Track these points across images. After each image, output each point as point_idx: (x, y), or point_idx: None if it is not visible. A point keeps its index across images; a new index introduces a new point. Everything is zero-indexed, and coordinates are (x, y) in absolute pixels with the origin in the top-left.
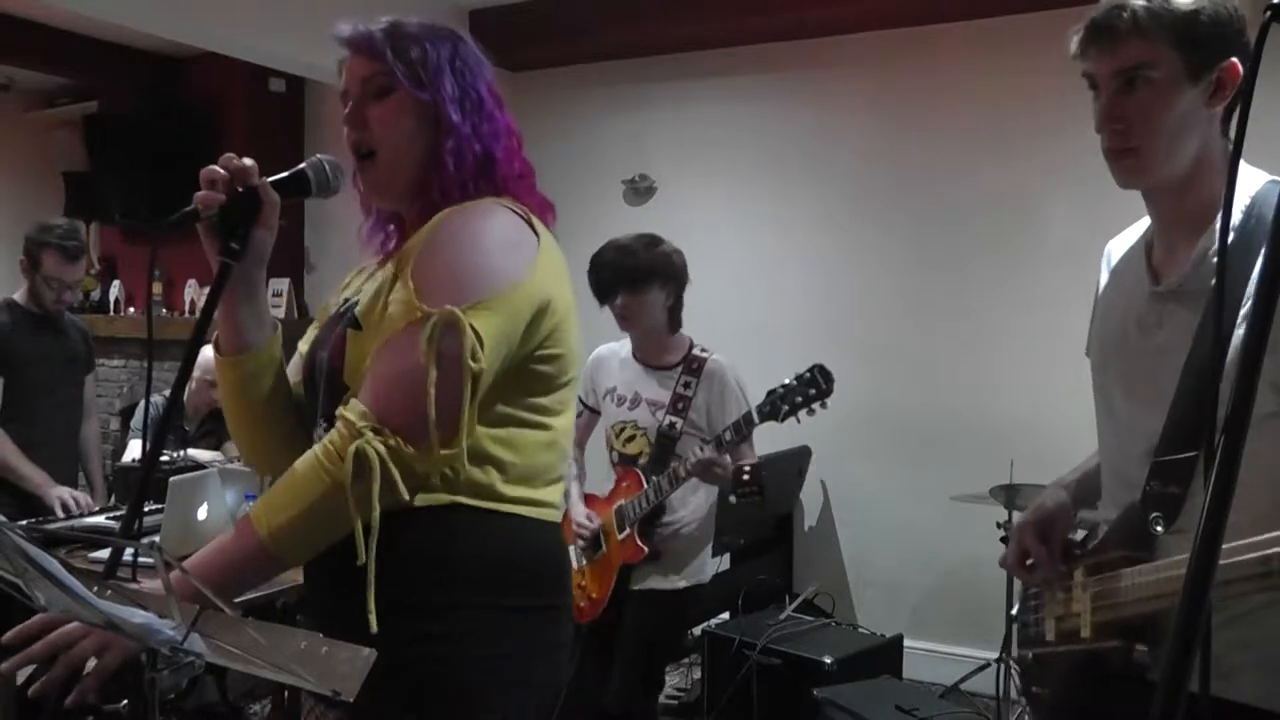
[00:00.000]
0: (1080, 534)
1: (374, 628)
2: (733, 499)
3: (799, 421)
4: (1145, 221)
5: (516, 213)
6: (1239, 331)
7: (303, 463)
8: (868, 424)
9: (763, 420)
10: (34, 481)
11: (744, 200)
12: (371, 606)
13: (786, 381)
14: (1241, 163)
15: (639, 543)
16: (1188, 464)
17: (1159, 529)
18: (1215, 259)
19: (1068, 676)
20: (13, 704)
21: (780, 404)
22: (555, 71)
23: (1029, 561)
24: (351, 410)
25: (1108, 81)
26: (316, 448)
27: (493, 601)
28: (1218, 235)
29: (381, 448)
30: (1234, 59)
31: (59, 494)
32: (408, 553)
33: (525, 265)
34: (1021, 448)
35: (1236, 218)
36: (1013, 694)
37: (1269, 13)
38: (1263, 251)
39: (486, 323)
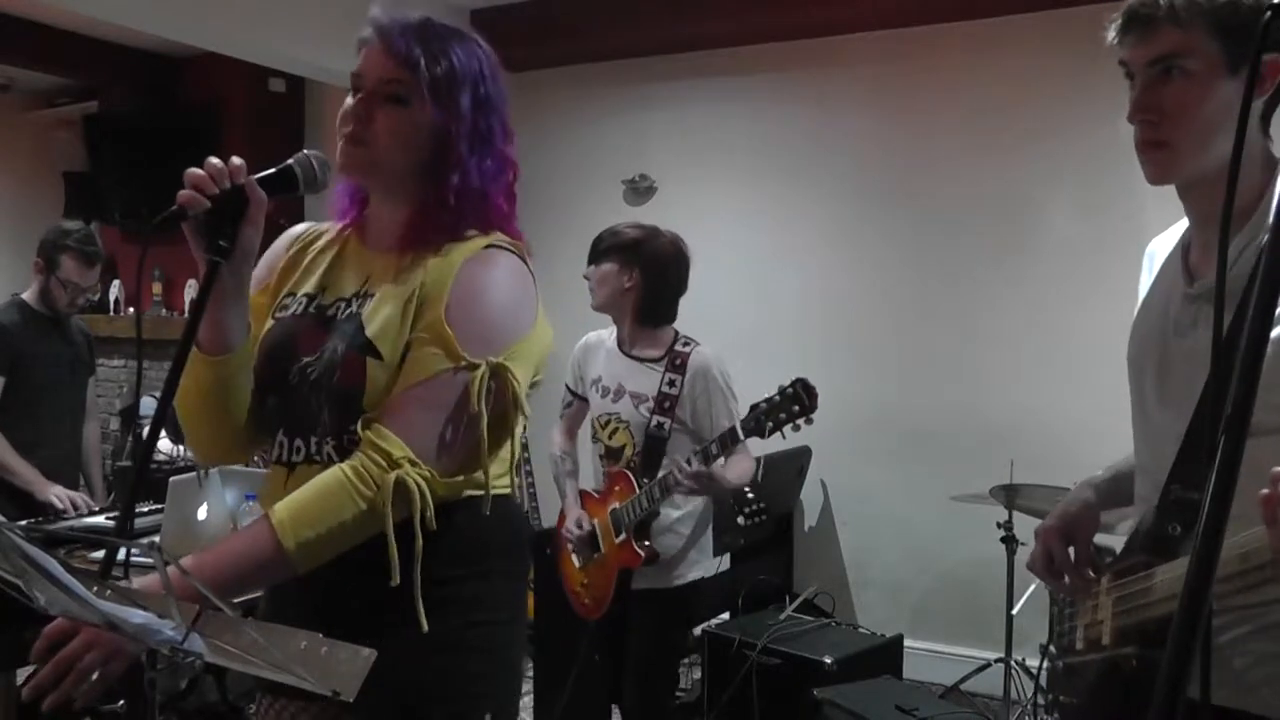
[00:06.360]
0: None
1: (424, 627)
2: (740, 521)
3: (784, 437)
4: (1185, 222)
5: (515, 253)
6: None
7: (333, 482)
8: (868, 424)
9: (747, 436)
10: (27, 479)
11: (744, 200)
12: (422, 618)
13: (770, 396)
14: None
15: (635, 549)
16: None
17: (1177, 532)
18: (1252, 255)
19: (1093, 686)
20: (14, 705)
21: (764, 420)
22: (555, 71)
23: (1055, 565)
24: (388, 441)
25: (1142, 70)
26: (347, 469)
27: (509, 569)
28: (1265, 230)
29: (421, 480)
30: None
31: (55, 492)
32: (429, 537)
33: (535, 310)
34: (1021, 448)
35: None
36: (1014, 694)
37: (1269, 12)
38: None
39: (520, 368)
